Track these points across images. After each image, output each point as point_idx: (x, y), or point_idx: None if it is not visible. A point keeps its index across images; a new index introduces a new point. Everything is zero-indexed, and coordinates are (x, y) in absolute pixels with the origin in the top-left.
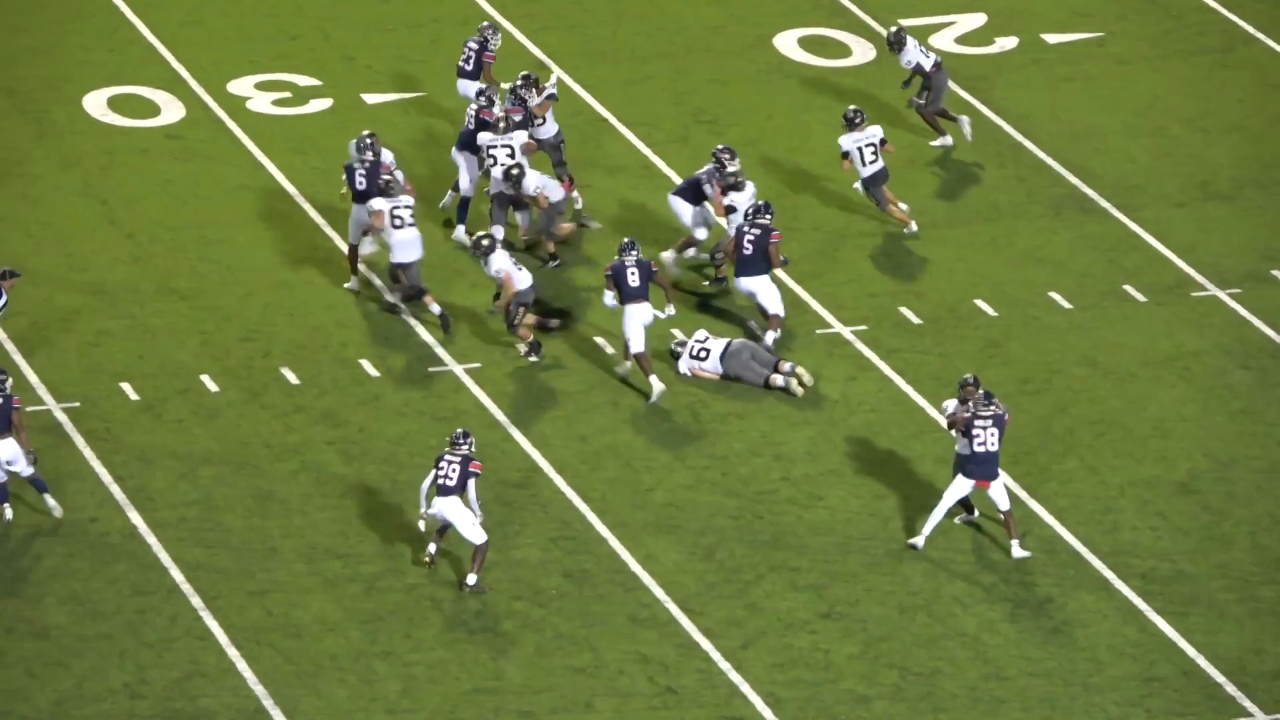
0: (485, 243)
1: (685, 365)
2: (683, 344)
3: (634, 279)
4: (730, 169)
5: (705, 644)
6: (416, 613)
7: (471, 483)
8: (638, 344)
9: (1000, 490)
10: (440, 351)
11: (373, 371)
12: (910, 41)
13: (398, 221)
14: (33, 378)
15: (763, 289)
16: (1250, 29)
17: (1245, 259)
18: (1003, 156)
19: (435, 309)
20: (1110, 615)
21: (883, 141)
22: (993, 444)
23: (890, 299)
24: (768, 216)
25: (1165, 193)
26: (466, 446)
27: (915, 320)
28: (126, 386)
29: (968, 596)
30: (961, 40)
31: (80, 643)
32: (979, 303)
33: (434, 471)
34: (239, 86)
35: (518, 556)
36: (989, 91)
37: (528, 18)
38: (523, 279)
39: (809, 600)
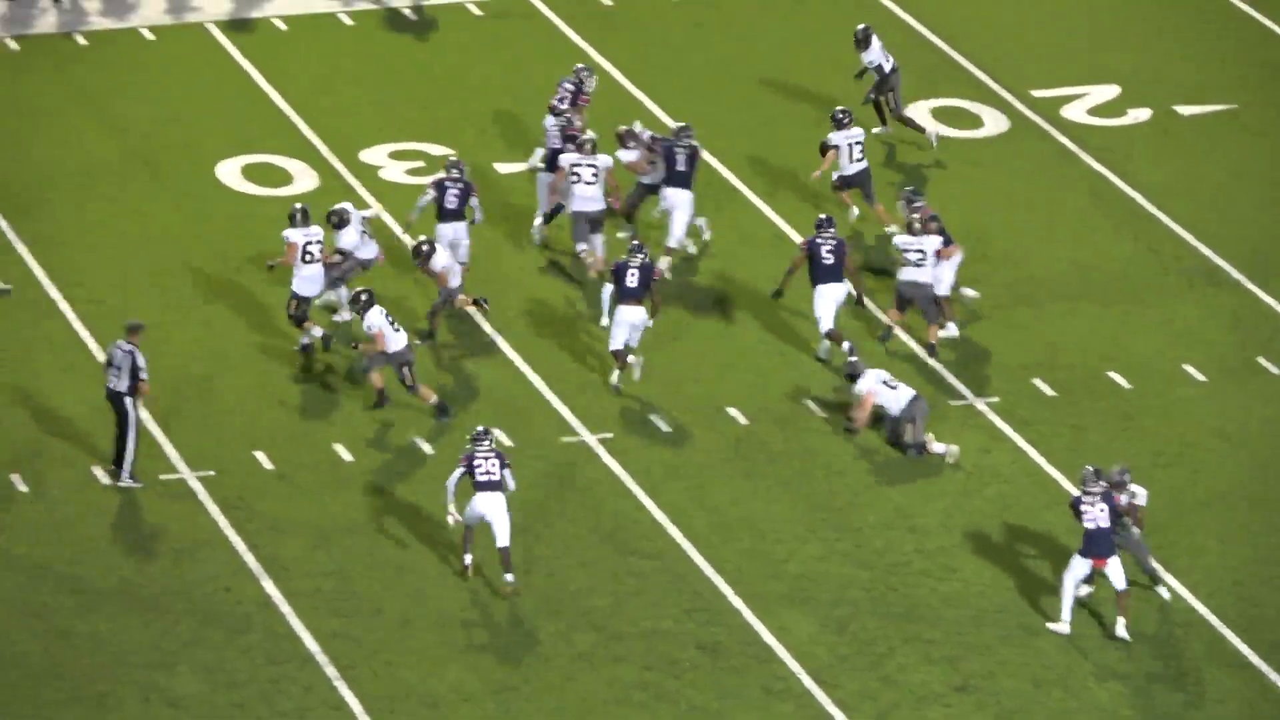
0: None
1: (868, 383)
2: (856, 362)
3: (632, 280)
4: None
5: (840, 716)
6: (551, 682)
7: (509, 474)
8: (617, 343)
9: (1117, 568)
10: (574, 421)
11: (506, 441)
12: (875, 42)
13: (308, 256)
14: (167, 446)
15: (839, 299)
16: None
17: None
18: (1136, 228)
19: (317, 332)
20: (1246, 690)
21: (859, 143)
22: (1103, 521)
23: (1024, 371)
24: (832, 229)
25: None
26: (490, 440)
27: (1049, 392)
28: (260, 455)
29: (1102, 670)
30: (1094, 111)
31: (214, 712)
32: (1112, 375)
33: (461, 470)
34: (372, 155)
35: (650, 627)
36: (1122, 163)
37: (652, 86)
38: (398, 339)
39: (943, 673)
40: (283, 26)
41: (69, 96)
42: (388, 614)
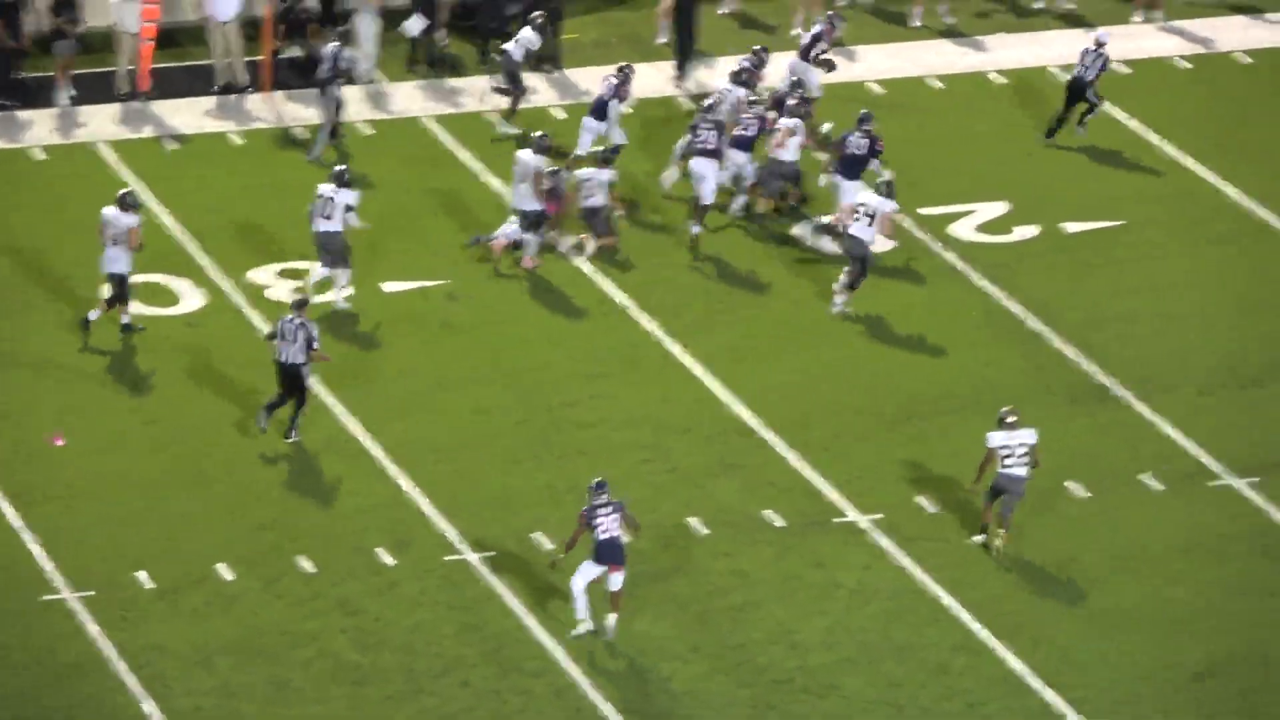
0: None
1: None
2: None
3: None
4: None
5: None
6: None
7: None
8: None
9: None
10: (457, 540)
11: (389, 560)
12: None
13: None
14: (48, 565)
15: None
16: (1272, 219)
17: (1264, 448)
18: (1023, 344)
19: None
20: None
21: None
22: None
23: (908, 487)
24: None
25: (1185, 380)
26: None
27: (932, 509)
28: (143, 575)
29: None
30: (983, 228)
31: None
32: None
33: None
34: (259, 274)
35: None
36: (1010, 279)
37: None
38: None
39: None
40: (173, 145)
41: None
42: None
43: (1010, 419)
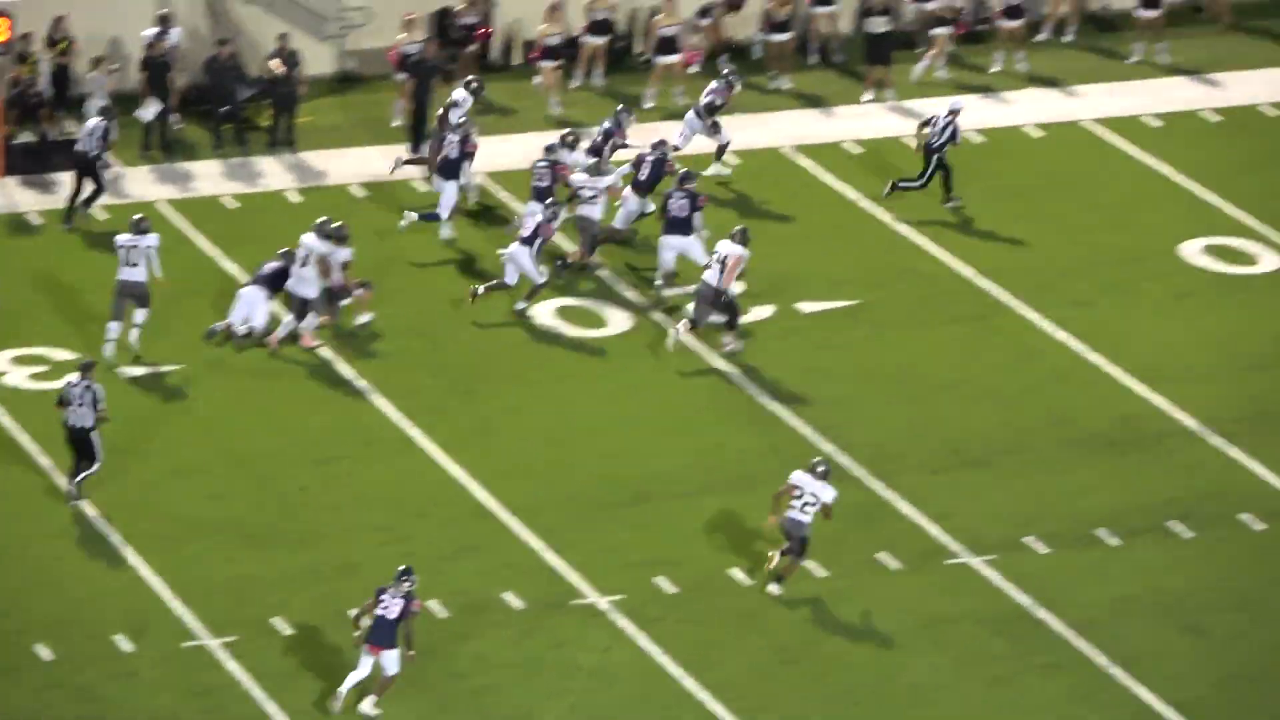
0: None
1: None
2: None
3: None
4: None
5: None
6: None
7: None
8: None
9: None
10: (195, 625)
11: (127, 646)
12: None
13: None
14: None
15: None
16: (1005, 297)
17: (999, 526)
18: (759, 425)
19: None
20: None
21: None
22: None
23: (647, 568)
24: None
25: (920, 460)
26: None
27: (672, 589)
28: None
29: None
30: None
31: None
32: (734, 573)
33: None
34: None
35: None
36: (745, 359)
37: None
38: None
39: None
40: None
41: None
42: None
43: (820, 468)
